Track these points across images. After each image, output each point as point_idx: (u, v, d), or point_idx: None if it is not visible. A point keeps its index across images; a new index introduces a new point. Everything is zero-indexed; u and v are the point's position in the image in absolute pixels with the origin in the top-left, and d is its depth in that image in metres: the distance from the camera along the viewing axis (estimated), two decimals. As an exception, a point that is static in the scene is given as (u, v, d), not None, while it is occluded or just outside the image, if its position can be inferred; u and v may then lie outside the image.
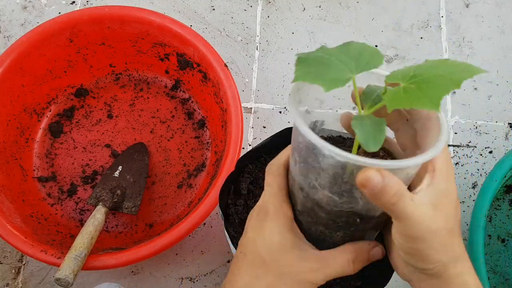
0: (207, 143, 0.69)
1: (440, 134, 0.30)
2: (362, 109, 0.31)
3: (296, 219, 0.36)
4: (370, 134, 0.27)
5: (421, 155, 0.29)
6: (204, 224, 0.67)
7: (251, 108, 0.74)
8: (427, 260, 0.31)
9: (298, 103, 0.34)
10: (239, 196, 0.51)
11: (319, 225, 0.35)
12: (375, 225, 0.35)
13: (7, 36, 0.78)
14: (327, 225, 0.34)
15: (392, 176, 0.28)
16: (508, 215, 0.68)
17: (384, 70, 0.33)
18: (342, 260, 0.34)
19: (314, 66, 0.29)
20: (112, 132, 0.70)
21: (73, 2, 0.80)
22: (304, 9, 0.80)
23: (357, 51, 0.31)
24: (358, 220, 0.33)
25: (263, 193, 0.36)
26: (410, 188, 0.32)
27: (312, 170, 0.31)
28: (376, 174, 0.28)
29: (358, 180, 0.28)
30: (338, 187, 0.31)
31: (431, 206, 0.30)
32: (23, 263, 0.65)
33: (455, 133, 0.73)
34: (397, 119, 0.35)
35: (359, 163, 0.27)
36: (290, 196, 0.36)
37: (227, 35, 0.78)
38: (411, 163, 0.28)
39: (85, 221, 0.58)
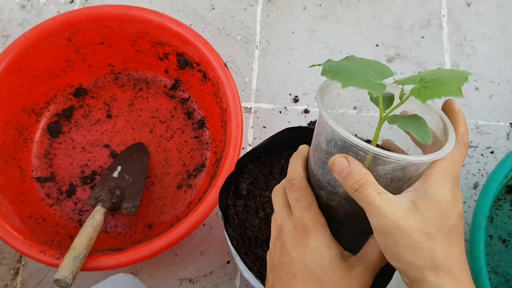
0: (207, 143, 0.69)
1: (448, 141, 0.32)
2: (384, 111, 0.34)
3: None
4: (420, 130, 0.31)
5: (415, 155, 0.31)
6: (204, 224, 0.67)
7: (251, 108, 0.73)
8: (396, 259, 0.31)
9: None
10: (239, 196, 0.51)
11: (346, 219, 0.37)
12: None
13: (5, 36, 0.77)
14: (354, 217, 0.36)
15: (359, 165, 0.31)
16: (509, 216, 0.67)
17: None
18: (378, 254, 0.35)
19: (347, 75, 0.32)
20: (111, 132, 0.70)
21: (72, 1, 0.79)
22: (305, 8, 0.80)
23: (367, 64, 0.34)
24: None
25: (284, 212, 0.36)
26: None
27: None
28: (343, 159, 0.31)
29: (329, 163, 0.32)
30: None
31: (408, 205, 0.31)
32: (22, 263, 0.65)
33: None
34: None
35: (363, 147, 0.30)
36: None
37: (227, 34, 0.77)
38: (410, 159, 0.30)
39: (84, 222, 0.58)
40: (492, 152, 0.72)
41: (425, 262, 0.30)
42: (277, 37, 0.77)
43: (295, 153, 0.38)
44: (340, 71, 0.32)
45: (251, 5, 0.79)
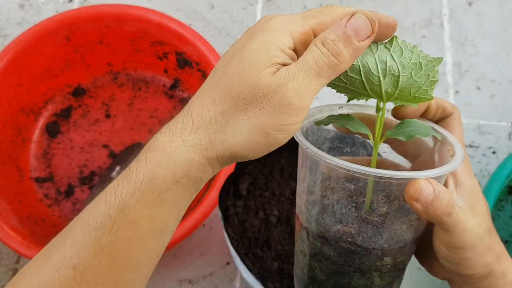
0: (207, 143, 0.69)
1: (455, 145, 0.31)
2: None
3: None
4: (421, 130, 0.30)
5: (450, 163, 0.29)
6: (204, 225, 0.67)
7: (251, 107, 0.73)
8: (473, 267, 0.30)
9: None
10: (239, 197, 0.50)
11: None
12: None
13: (3, 35, 0.77)
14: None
15: (441, 185, 0.28)
16: (511, 216, 0.67)
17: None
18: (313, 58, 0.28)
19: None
20: (110, 132, 0.70)
21: (71, 0, 0.79)
22: (305, 7, 0.79)
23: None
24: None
25: None
26: None
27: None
28: (427, 184, 0.27)
29: (409, 193, 0.27)
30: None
31: (469, 209, 0.29)
32: (20, 264, 0.65)
33: (458, 133, 0.72)
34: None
35: (408, 177, 0.27)
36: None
37: (226, 33, 0.77)
38: (449, 168, 0.28)
39: (83, 223, 0.57)
40: (494, 152, 0.71)
41: (494, 256, 0.30)
42: (277, 36, 0.77)
43: None
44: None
45: (251, 5, 0.79)
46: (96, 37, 0.66)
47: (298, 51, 0.28)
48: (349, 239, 0.28)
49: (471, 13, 0.79)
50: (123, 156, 0.67)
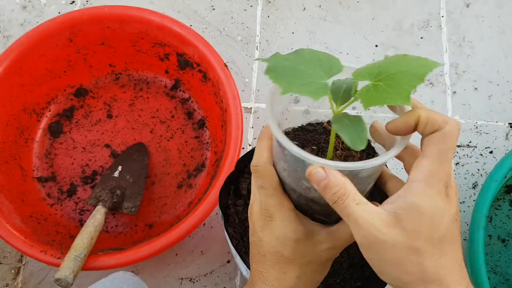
0: (207, 143, 0.69)
1: (400, 139, 0.31)
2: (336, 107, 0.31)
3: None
4: (354, 134, 0.28)
5: (369, 160, 0.30)
6: (204, 224, 0.67)
7: (251, 108, 0.74)
8: (382, 274, 0.30)
9: (276, 111, 0.35)
10: (239, 196, 0.51)
11: (316, 214, 0.37)
12: None
13: (6, 36, 0.78)
14: (324, 213, 0.36)
15: (337, 175, 0.30)
16: (508, 215, 0.68)
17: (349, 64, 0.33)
18: (348, 234, 0.35)
19: (290, 77, 0.30)
20: (112, 132, 0.70)
21: (73, 1, 0.80)
22: (304, 8, 0.80)
23: (316, 59, 0.31)
24: None
25: (257, 194, 0.36)
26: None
27: (303, 176, 0.32)
28: (319, 170, 0.30)
29: (306, 173, 0.31)
30: None
31: (390, 217, 0.29)
32: (23, 263, 0.65)
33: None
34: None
35: (312, 162, 0.30)
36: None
37: (227, 34, 0.78)
38: (354, 166, 0.30)
39: (85, 222, 0.58)
40: (491, 152, 0.72)
41: (412, 277, 0.29)
42: (277, 37, 0.78)
43: (259, 135, 0.37)
44: (284, 71, 0.29)
45: (251, 6, 0.80)
46: (98, 38, 0.67)
47: None
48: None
49: (468, 14, 0.80)
50: (125, 156, 0.68)
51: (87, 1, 0.79)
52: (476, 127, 0.73)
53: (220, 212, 0.48)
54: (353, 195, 0.30)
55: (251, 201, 0.37)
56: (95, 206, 0.60)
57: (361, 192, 0.31)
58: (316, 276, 0.37)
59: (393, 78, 0.28)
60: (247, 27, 0.78)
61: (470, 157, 0.71)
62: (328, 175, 0.30)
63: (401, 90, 0.27)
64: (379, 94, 0.28)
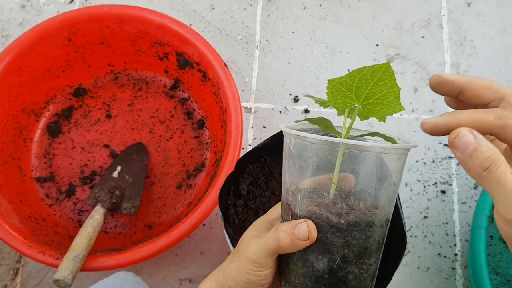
0: (207, 143, 0.69)
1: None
2: None
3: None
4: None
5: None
6: (204, 225, 0.67)
7: (251, 108, 0.73)
8: None
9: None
10: (239, 196, 0.50)
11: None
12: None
13: (5, 36, 0.77)
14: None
15: (486, 140, 0.27)
16: None
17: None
18: (272, 236, 0.35)
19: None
20: (111, 132, 0.70)
21: (72, 1, 0.79)
22: (305, 8, 0.79)
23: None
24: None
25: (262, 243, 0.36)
26: None
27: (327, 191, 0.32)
28: (467, 132, 0.27)
29: (450, 138, 0.27)
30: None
31: None
32: (21, 264, 0.65)
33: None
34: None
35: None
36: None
37: (227, 34, 0.77)
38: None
39: (84, 222, 0.58)
40: (492, 152, 0.71)
41: None
42: (277, 37, 0.77)
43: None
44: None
45: (251, 5, 0.79)
46: (97, 37, 0.66)
47: None
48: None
49: (470, 13, 0.79)
50: (124, 156, 0.67)
51: (86, 0, 0.79)
52: (477, 127, 0.73)
53: (220, 213, 0.47)
54: (506, 163, 0.27)
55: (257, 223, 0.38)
56: (94, 207, 0.60)
57: (361, 193, 0.30)
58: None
59: (377, 104, 0.33)
60: (247, 26, 0.78)
61: (471, 157, 0.71)
62: (478, 139, 0.27)
63: (383, 113, 0.33)
64: (369, 111, 0.33)
